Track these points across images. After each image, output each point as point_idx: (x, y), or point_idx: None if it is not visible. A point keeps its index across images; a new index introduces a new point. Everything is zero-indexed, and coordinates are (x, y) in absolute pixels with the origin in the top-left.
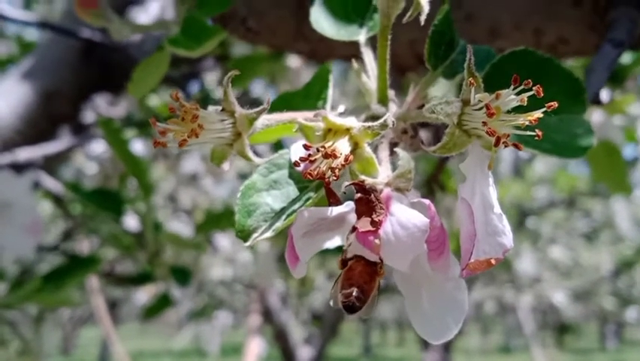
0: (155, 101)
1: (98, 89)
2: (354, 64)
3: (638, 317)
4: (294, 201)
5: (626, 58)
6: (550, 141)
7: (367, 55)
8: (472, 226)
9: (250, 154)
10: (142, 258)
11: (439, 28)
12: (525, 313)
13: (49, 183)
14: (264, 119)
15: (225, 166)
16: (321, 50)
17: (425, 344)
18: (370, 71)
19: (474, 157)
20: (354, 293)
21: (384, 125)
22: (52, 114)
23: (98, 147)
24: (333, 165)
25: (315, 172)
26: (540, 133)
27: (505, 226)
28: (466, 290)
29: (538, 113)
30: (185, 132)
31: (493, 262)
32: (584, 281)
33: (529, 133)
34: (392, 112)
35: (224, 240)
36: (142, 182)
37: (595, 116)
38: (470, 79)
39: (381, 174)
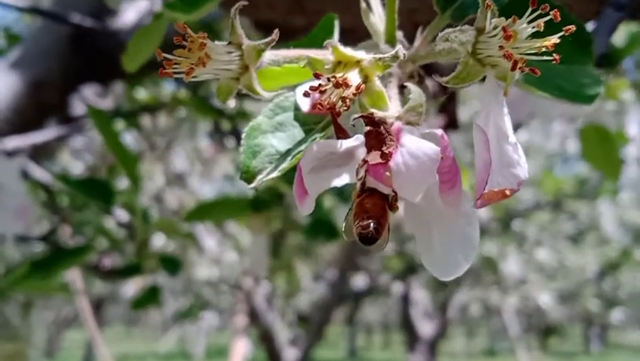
0: (142, 93)
1: (87, 79)
2: (362, 4)
3: (623, 319)
4: (299, 143)
5: (620, 40)
6: (559, 88)
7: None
8: (487, 153)
9: (258, 88)
10: (130, 249)
11: None
12: (510, 316)
13: (38, 172)
14: (272, 55)
15: (231, 102)
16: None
17: (410, 347)
18: (377, 16)
19: (488, 87)
20: (372, 225)
21: (395, 57)
22: (41, 104)
23: (84, 140)
24: (344, 95)
25: (326, 102)
26: (558, 57)
27: (520, 156)
28: (478, 226)
29: (555, 39)
30: (193, 61)
31: (507, 192)
32: (570, 283)
33: (546, 58)
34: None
35: (210, 240)
36: (130, 172)
37: None
38: (487, 1)
39: (392, 110)
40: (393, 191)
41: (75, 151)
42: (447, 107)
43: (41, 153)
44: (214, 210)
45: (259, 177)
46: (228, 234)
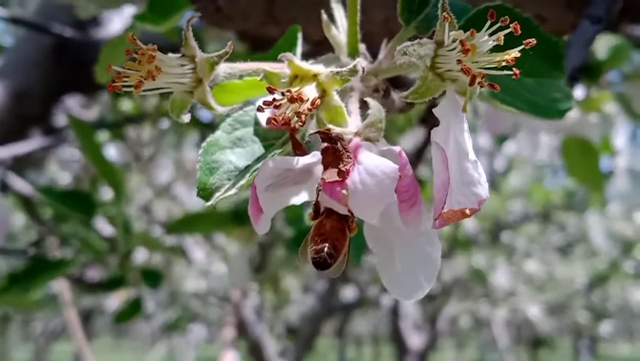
0: (127, 105)
1: (70, 90)
2: (324, 16)
3: (612, 332)
4: (259, 159)
5: (602, 53)
6: (528, 102)
7: (338, 10)
8: (445, 172)
9: (212, 102)
10: (113, 262)
11: None
12: (499, 328)
13: (19, 184)
14: (227, 67)
15: (185, 117)
16: None
17: (400, 359)
18: (341, 27)
19: (448, 102)
20: (325, 249)
21: (353, 71)
22: (23, 115)
23: (71, 152)
24: (300, 110)
25: (281, 117)
26: (517, 72)
27: (480, 174)
28: (439, 246)
29: (515, 52)
30: (142, 74)
31: (467, 212)
32: (559, 295)
33: (505, 72)
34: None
35: (198, 252)
36: (112, 183)
37: (570, 113)
38: (444, 14)
39: (351, 125)
40: (349, 211)
41: (62, 162)
42: (428, 119)
43: (27, 164)
44: (198, 222)
45: (217, 194)
46: (216, 245)
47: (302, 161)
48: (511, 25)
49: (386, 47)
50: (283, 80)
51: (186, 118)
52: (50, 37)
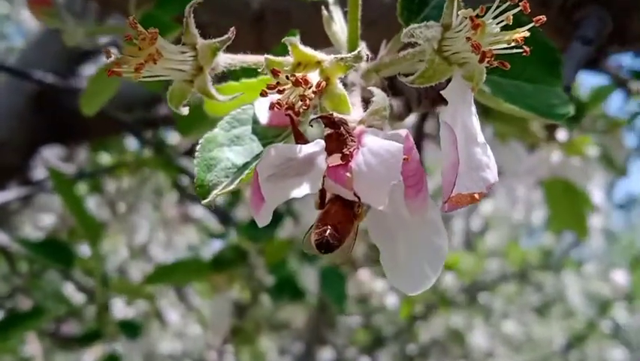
0: (106, 158)
1: (49, 140)
2: (324, 12)
3: None
4: (257, 157)
5: (585, 95)
6: (527, 105)
7: (336, 12)
8: (455, 153)
9: (212, 90)
10: (90, 314)
11: None
12: None
13: None
14: (228, 58)
15: (184, 109)
16: None
17: None
18: (340, 30)
19: (456, 85)
20: (328, 231)
21: (358, 57)
22: (1, 166)
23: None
24: (304, 94)
25: (285, 102)
26: (528, 49)
27: (489, 157)
28: (446, 235)
29: (524, 31)
30: (143, 58)
31: (477, 196)
32: (536, 356)
33: (515, 50)
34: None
35: (173, 314)
36: (91, 234)
37: (553, 155)
38: None
39: (354, 115)
40: (356, 195)
41: (38, 213)
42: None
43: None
44: (175, 273)
45: (214, 191)
46: (192, 307)
47: (305, 150)
48: (520, 3)
49: (386, 47)
50: (286, 69)
51: (185, 110)
52: (31, 86)
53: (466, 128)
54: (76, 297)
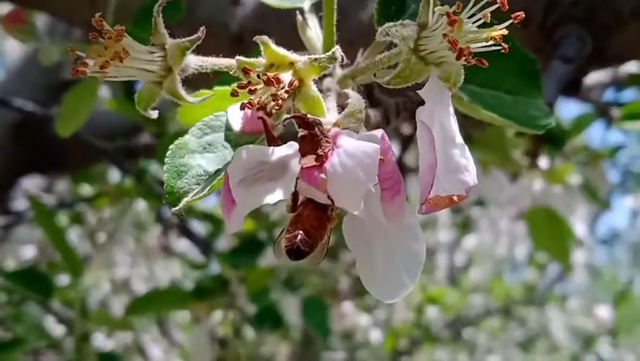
0: (87, 189)
1: (30, 170)
2: (299, 18)
3: None
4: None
5: (567, 122)
6: (507, 115)
7: (312, 20)
8: (432, 153)
9: (182, 92)
10: (69, 346)
11: None
12: None
13: None
14: (198, 60)
15: (152, 113)
16: None
17: None
18: (315, 36)
19: (432, 85)
20: (298, 236)
21: (332, 58)
22: None
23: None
24: (277, 93)
25: (256, 102)
26: (506, 46)
27: (468, 159)
28: (423, 240)
29: (502, 29)
30: (109, 56)
31: (455, 198)
32: None
33: (493, 48)
34: (339, 68)
35: (155, 349)
36: (71, 264)
37: (536, 184)
38: None
39: (329, 117)
40: (330, 198)
41: (18, 246)
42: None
43: None
44: (155, 302)
45: (185, 199)
46: (174, 342)
47: (278, 152)
48: (498, 0)
49: (362, 56)
50: (258, 69)
51: (154, 113)
52: (11, 115)
53: (444, 129)
54: (56, 329)
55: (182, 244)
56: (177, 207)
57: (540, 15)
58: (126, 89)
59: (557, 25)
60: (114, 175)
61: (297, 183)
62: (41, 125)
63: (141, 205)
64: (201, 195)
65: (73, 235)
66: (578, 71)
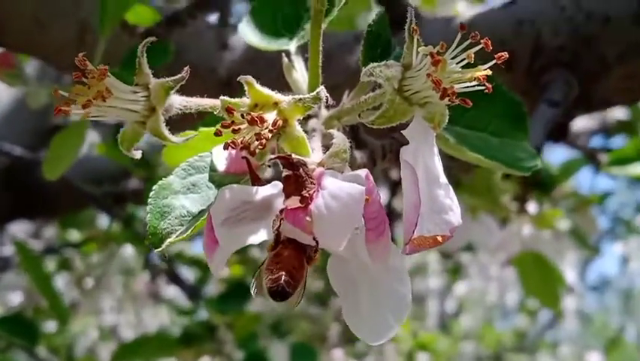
0: (75, 235)
1: (17, 216)
2: (285, 59)
3: None
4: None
5: (555, 167)
6: (493, 157)
7: (298, 62)
8: (416, 193)
9: (165, 132)
10: None
11: (374, 29)
12: None
13: None
14: (183, 100)
15: (136, 153)
16: None
17: None
18: (301, 77)
19: (416, 125)
20: (282, 278)
21: (316, 98)
22: None
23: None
24: (260, 132)
25: (240, 141)
26: (490, 86)
27: (452, 199)
28: (409, 283)
29: (486, 70)
30: (91, 95)
31: (439, 239)
32: None
33: (477, 88)
34: (324, 109)
35: None
36: (58, 311)
37: (524, 229)
38: (413, 26)
39: (313, 157)
40: (315, 240)
41: (4, 290)
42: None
43: None
44: (142, 349)
45: (168, 240)
46: None
47: (261, 192)
48: (482, 41)
49: (348, 97)
50: (242, 109)
51: (137, 154)
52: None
53: (428, 169)
54: None
55: (171, 290)
56: (160, 248)
57: (527, 59)
58: (115, 134)
59: (544, 70)
60: (103, 221)
61: (280, 223)
62: (29, 169)
63: (129, 251)
64: (184, 235)
65: (61, 281)
66: (565, 115)
